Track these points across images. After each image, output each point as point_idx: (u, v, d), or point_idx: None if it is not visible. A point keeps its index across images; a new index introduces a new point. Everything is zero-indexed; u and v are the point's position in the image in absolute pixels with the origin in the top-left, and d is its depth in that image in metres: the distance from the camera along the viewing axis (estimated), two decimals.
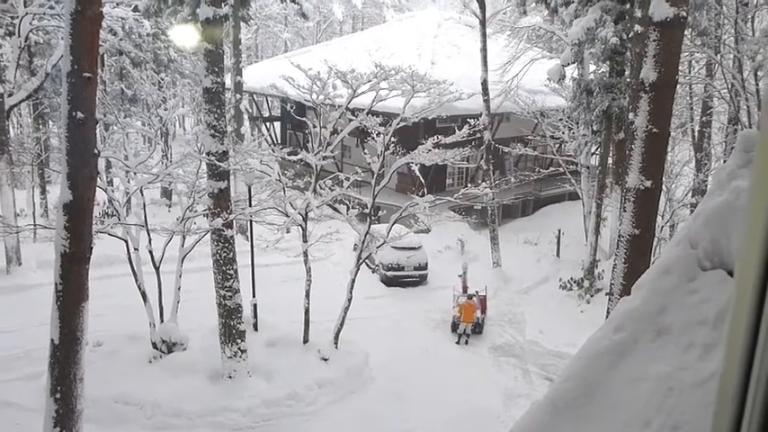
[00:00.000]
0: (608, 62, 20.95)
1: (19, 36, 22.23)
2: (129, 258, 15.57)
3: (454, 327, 18.32)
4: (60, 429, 8.27)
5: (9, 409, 13.14)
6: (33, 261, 20.86)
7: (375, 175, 16.64)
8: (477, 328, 18.41)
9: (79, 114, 7.46)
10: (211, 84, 13.79)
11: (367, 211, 16.98)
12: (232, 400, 13.96)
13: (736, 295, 1.03)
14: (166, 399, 13.69)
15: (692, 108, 26.75)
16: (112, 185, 19.48)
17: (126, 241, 15.50)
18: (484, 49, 23.06)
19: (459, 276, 19.14)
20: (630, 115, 16.85)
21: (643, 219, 9.94)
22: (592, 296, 21.12)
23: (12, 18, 22.14)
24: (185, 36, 22.95)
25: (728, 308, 1.90)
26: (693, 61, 26.32)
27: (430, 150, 16.68)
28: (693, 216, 2.35)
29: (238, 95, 26.46)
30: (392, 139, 16.68)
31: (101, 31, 7.95)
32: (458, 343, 17.96)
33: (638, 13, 18.05)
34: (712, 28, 21.87)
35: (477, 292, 18.94)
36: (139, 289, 15.56)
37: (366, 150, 17.68)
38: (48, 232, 15.86)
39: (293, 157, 16.67)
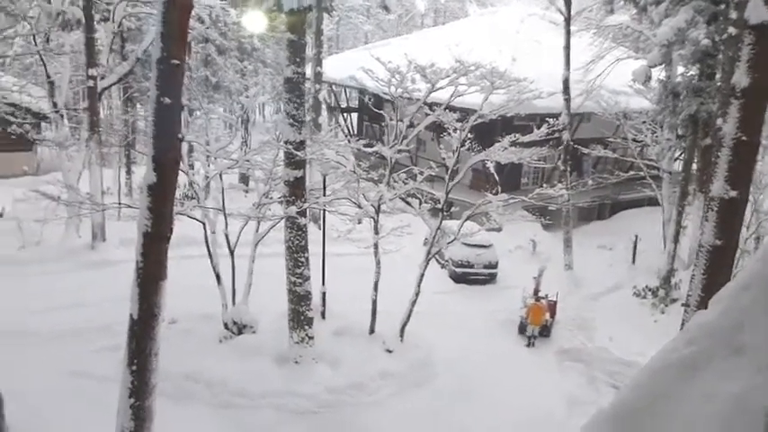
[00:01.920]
0: (698, 65, 20.17)
1: (113, 22, 23.23)
2: (206, 240, 16.08)
3: (522, 328, 18.11)
4: (135, 400, 8.62)
5: (89, 378, 13.81)
6: (117, 238, 21.74)
7: (449, 171, 16.58)
8: (545, 332, 18.12)
9: (166, 99, 7.72)
10: (292, 73, 14.03)
11: (439, 206, 16.94)
12: (297, 384, 14.22)
13: None
14: (233, 378, 14.08)
15: None
16: (193, 169, 20.13)
17: (204, 224, 16.00)
18: (567, 47, 22.57)
19: (534, 278, 18.81)
20: (719, 121, 16.18)
21: (726, 229, 9.54)
22: (667, 306, 20.44)
23: (107, 4, 23.12)
24: (267, 25, 23.38)
25: None
26: None
27: (506, 148, 16.48)
28: None
29: (318, 86, 26.84)
30: (468, 135, 16.57)
31: (189, 19, 8.20)
32: (527, 345, 17.75)
33: (733, 15, 17.26)
34: None
35: (546, 295, 18.57)
36: (214, 271, 16.05)
37: (441, 145, 17.63)
38: (131, 211, 16.52)
39: (369, 149, 16.79)
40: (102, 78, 22.82)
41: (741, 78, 8.95)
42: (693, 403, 1.97)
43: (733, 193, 9.26)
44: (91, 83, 21.76)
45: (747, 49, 8.89)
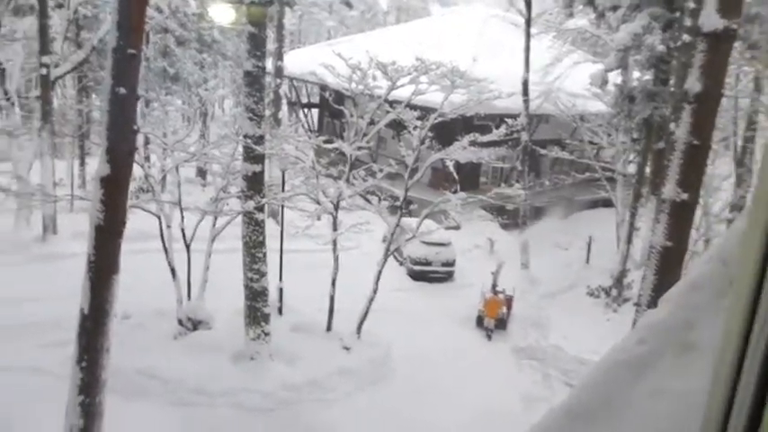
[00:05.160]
0: (653, 70, 20.59)
1: (68, 8, 22.67)
2: (162, 235, 15.82)
3: (479, 321, 18.58)
4: (84, 397, 8.45)
5: (37, 374, 13.46)
6: (69, 231, 21.25)
7: (409, 169, 16.63)
8: (501, 325, 18.59)
9: (122, 90, 7.58)
10: (252, 67, 13.89)
11: (398, 203, 16.98)
12: (253, 381, 14.09)
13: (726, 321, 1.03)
14: (189, 375, 13.88)
15: (736, 122, 26.16)
16: (149, 162, 19.76)
17: (159, 217, 15.74)
18: (527, 49, 22.84)
19: (492, 273, 19.22)
20: (672, 125, 16.56)
21: (677, 231, 9.78)
22: (619, 305, 20.87)
23: None
24: (228, 17, 23.11)
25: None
26: (741, 74, 25.73)
27: (466, 148, 16.61)
28: (729, 232, 2.31)
29: (279, 80, 26.62)
30: (428, 133, 16.64)
31: (147, 8, 8.05)
32: (486, 337, 18.25)
33: (688, 23, 17.69)
34: (763, 42, 21.34)
35: (504, 290, 19.07)
36: (169, 266, 15.80)
37: (401, 143, 17.67)
38: (84, 203, 16.17)
39: (329, 146, 16.74)
40: (56, 66, 22.27)
41: (694, 84, 9.18)
42: (644, 401, 2.00)
43: (684, 196, 9.50)
44: (44, 71, 21.22)
45: (700, 55, 9.12)
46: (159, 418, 12.84)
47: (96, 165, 8.16)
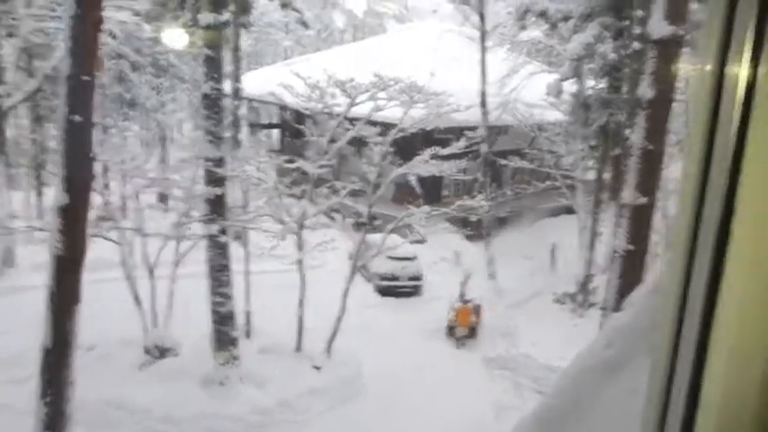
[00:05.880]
0: (606, 78, 21.03)
1: (19, 37, 22.27)
2: (124, 263, 15.55)
3: (450, 331, 18.83)
4: None
5: (1, 410, 13.06)
6: (27, 263, 20.76)
7: (372, 185, 16.66)
8: (472, 333, 18.84)
9: (77, 117, 7.47)
10: (210, 90, 13.83)
11: (363, 220, 16.99)
12: (223, 406, 13.89)
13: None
14: (157, 404, 13.63)
15: (688, 126, 26.81)
16: (109, 189, 19.45)
17: (121, 245, 15.48)
18: (483, 62, 23.17)
19: (461, 283, 19.42)
20: (627, 131, 16.91)
21: (638, 234, 9.99)
22: (585, 310, 21.10)
23: (13, 19, 22.17)
24: (184, 41, 22.99)
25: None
26: (691, 79, 26.41)
27: (427, 161, 16.72)
28: None
29: (237, 102, 26.46)
30: (389, 149, 16.72)
31: (100, 34, 7.97)
32: (457, 347, 18.49)
33: (638, 30, 18.14)
34: None
35: (472, 299, 19.33)
36: (133, 293, 15.53)
37: (363, 160, 17.71)
38: (43, 235, 15.76)
39: (290, 165, 16.70)
40: (9, 96, 21.84)
41: (646, 90, 9.42)
42: (617, 400, 2.03)
43: (642, 200, 9.70)
44: None
45: (651, 62, 9.37)
46: None
47: (54, 195, 8.01)
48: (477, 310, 19.32)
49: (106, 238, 15.34)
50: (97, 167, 12.81)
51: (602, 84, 21.58)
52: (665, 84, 9.36)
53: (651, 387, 1.06)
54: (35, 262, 19.76)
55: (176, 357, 15.56)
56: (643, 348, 2.14)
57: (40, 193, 27.87)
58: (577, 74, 21.33)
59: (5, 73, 22.44)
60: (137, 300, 15.51)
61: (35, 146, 27.54)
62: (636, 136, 9.64)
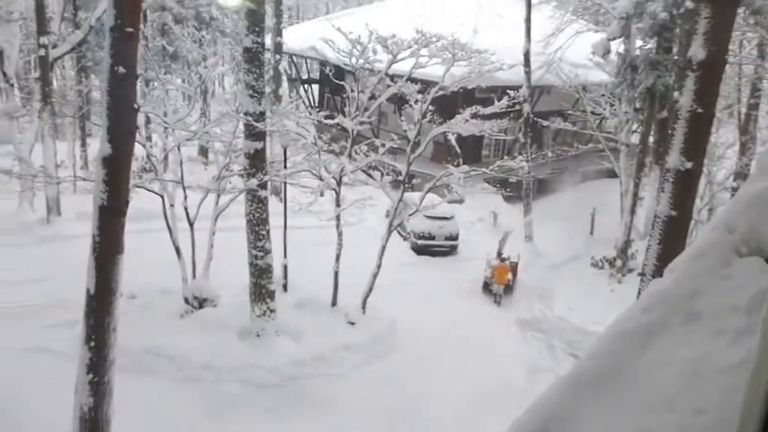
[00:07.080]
0: (655, 38, 20.39)
1: None
2: (165, 214, 15.84)
3: (485, 286, 19.11)
4: (93, 376, 8.51)
5: (46, 354, 13.58)
6: (72, 212, 21.28)
7: (411, 143, 16.57)
8: (508, 290, 19.09)
9: (120, 69, 7.53)
10: (251, 43, 13.78)
11: (401, 178, 16.94)
12: (259, 357, 14.20)
13: None
14: (196, 352, 13.99)
15: (740, 89, 25.94)
16: (151, 141, 19.72)
17: (162, 197, 15.74)
18: (528, 20, 22.62)
19: (499, 241, 19.56)
20: (675, 94, 16.43)
21: (681, 200, 9.74)
22: (624, 276, 20.91)
23: None
24: None
25: (765, 296, 1.87)
26: (745, 41, 25.45)
27: (467, 121, 16.51)
28: (733, 200, 2.29)
29: (278, 56, 26.40)
30: (430, 107, 16.54)
31: None
32: (495, 302, 18.75)
33: None
34: (767, 7, 21.09)
35: (509, 257, 19.43)
36: (174, 244, 15.84)
37: (403, 117, 17.58)
38: (87, 184, 16.15)
39: (330, 121, 16.66)
40: (54, 47, 22.12)
41: (697, 51, 9.07)
42: (651, 369, 2.01)
43: (688, 165, 9.44)
44: (42, 52, 21.09)
45: (704, 22, 9.00)
46: (168, 395, 12.97)
47: (98, 145, 8.13)
48: (513, 268, 19.46)
49: (148, 190, 15.61)
50: (140, 119, 12.95)
51: (651, 44, 20.93)
52: (717, 45, 8.99)
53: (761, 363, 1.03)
54: (80, 211, 20.29)
55: (215, 308, 15.91)
56: (682, 316, 2.10)
57: (84, 144, 28.45)
58: (625, 33, 20.69)
59: (52, 23, 22.68)
60: (177, 251, 15.84)
61: (80, 97, 27.98)
62: (684, 98, 9.33)
